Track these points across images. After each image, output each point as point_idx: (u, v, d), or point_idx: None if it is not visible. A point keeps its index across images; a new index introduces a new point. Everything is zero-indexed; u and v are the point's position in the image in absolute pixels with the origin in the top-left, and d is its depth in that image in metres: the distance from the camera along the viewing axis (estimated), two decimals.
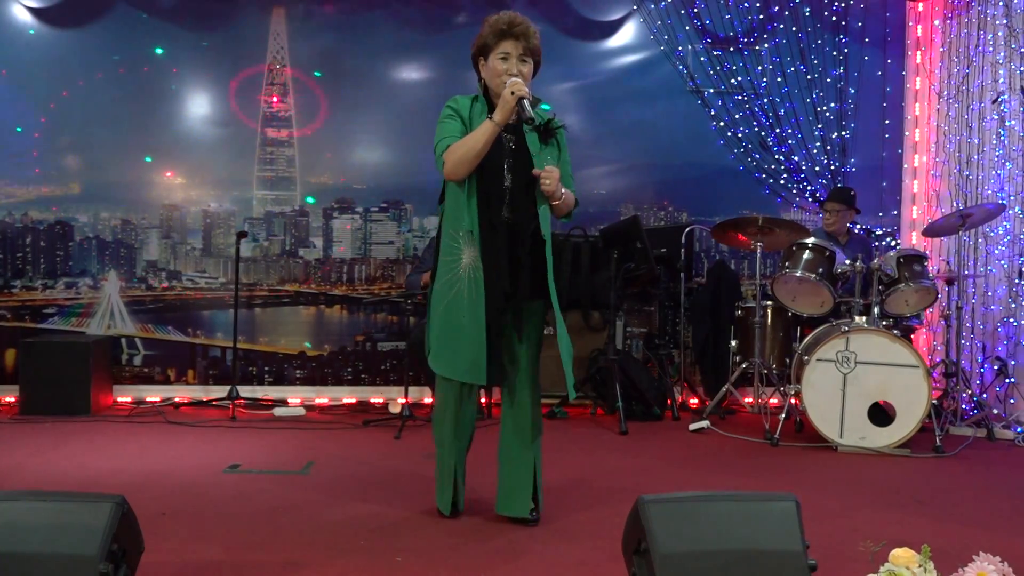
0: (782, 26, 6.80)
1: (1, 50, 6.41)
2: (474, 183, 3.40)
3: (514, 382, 3.59)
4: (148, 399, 6.39)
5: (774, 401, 6.02)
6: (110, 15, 6.47)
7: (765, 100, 6.79)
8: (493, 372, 3.49)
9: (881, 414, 5.09)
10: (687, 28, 6.75)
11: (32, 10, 6.43)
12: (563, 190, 3.45)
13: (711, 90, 6.80)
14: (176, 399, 6.35)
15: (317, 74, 6.67)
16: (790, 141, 6.81)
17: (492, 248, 3.40)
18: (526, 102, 3.27)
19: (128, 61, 6.50)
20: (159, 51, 6.52)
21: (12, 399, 6.08)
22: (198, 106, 6.62)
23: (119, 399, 6.34)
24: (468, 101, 3.49)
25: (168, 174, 6.62)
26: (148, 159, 6.56)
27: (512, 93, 3.26)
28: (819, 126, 6.82)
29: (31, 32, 6.44)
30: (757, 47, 6.78)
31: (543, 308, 3.60)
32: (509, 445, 3.65)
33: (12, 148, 6.45)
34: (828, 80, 6.84)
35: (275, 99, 6.64)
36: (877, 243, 6.63)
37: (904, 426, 5.00)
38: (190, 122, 6.62)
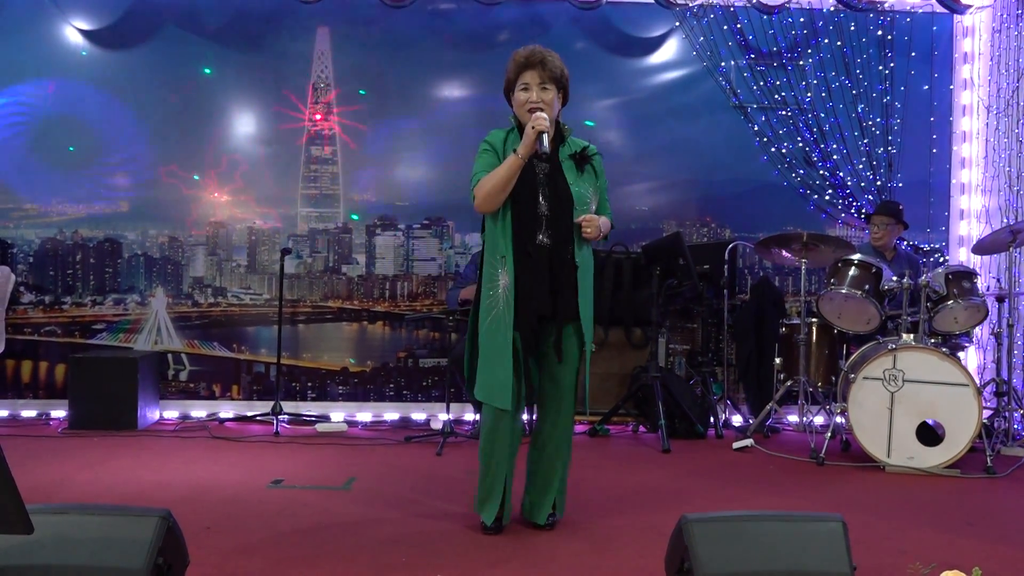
0: (826, 40, 6.72)
1: (54, 71, 6.51)
2: (508, 211, 3.58)
3: (551, 401, 3.74)
4: (193, 414, 6.43)
5: (819, 420, 5.98)
6: (159, 36, 6.55)
7: (809, 115, 6.71)
8: (527, 394, 3.71)
9: (930, 433, 4.99)
10: (730, 44, 6.69)
11: (84, 32, 6.53)
12: (601, 226, 3.65)
13: (754, 106, 6.74)
14: (221, 414, 6.39)
15: (361, 92, 6.70)
16: (835, 156, 6.73)
17: (526, 273, 3.57)
18: (545, 136, 3.43)
19: (176, 81, 6.58)
20: (207, 71, 6.60)
21: (61, 414, 6.15)
22: (244, 125, 6.69)
23: (165, 414, 6.38)
24: (503, 134, 3.68)
25: (215, 192, 6.68)
26: (196, 177, 6.63)
27: (533, 128, 3.43)
28: (865, 141, 6.73)
29: (83, 53, 6.54)
30: (801, 62, 6.71)
31: (581, 330, 3.71)
32: (537, 460, 3.80)
33: (65, 167, 6.55)
34: (874, 95, 6.75)
35: (319, 117, 6.67)
36: (925, 260, 6.52)
37: (954, 446, 4.92)
38: (236, 141, 6.68)
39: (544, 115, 3.48)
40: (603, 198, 3.77)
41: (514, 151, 3.50)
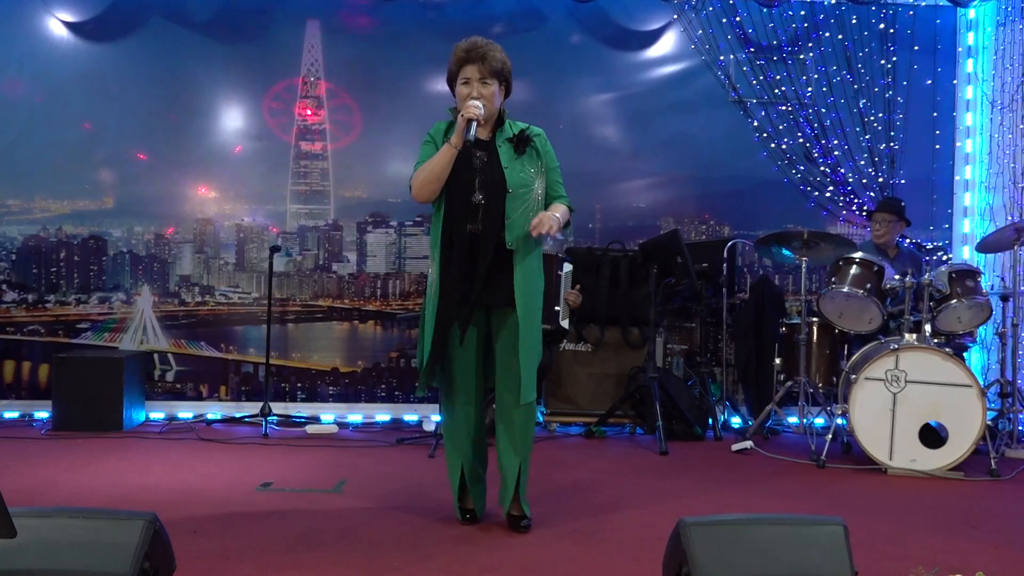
0: (827, 34, 6.65)
1: (37, 64, 6.43)
2: (443, 202, 3.65)
3: (503, 391, 3.74)
4: (180, 415, 6.36)
5: (820, 421, 5.94)
6: (145, 29, 6.47)
7: (810, 110, 6.65)
8: (477, 380, 3.78)
9: (933, 435, 4.95)
10: (729, 37, 6.63)
11: (68, 24, 6.44)
12: (556, 214, 3.63)
13: (754, 100, 6.68)
14: (208, 415, 6.32)
15: (352, 85, 6.62)
16: (836, 152, 6.67)
17: (447, 262, 3.64)
18: (473, 124, 3.48)
19: (163, 74, 6.50)
20: (193, 64, 6.51)
21: (45, 415, 6.08)
22: (232, 119, 6.61)
23: (151, 415, 6.31)
24: (444, 126, 3.75)
25: (202, 188, 6.60)
26: (181, 172, 6.55)
27: (462, 116, 3.50)
28: (866, 137, 6.67)
29: (67, 46, 6.44)
30: (802, 56, 6.65)
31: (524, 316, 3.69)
32: (500, 450, 3.79)
33: (48, 162, 6.48)
34: (876, 89, 6.68)
35: (309, 112, 6.61)
36: (928, 258, 6.48)
37: (957, 448, 4.88)
38: (224, 135, 6.61)
39: (476, 103, 3.53)
40: (552, 179, 3.76)
41: (447, 141, 3.56)
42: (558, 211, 3.67)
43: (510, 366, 3.67)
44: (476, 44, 3.62)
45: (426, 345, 3.68)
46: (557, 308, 3.94)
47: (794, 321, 5.83)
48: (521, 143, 3.67)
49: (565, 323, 4.26)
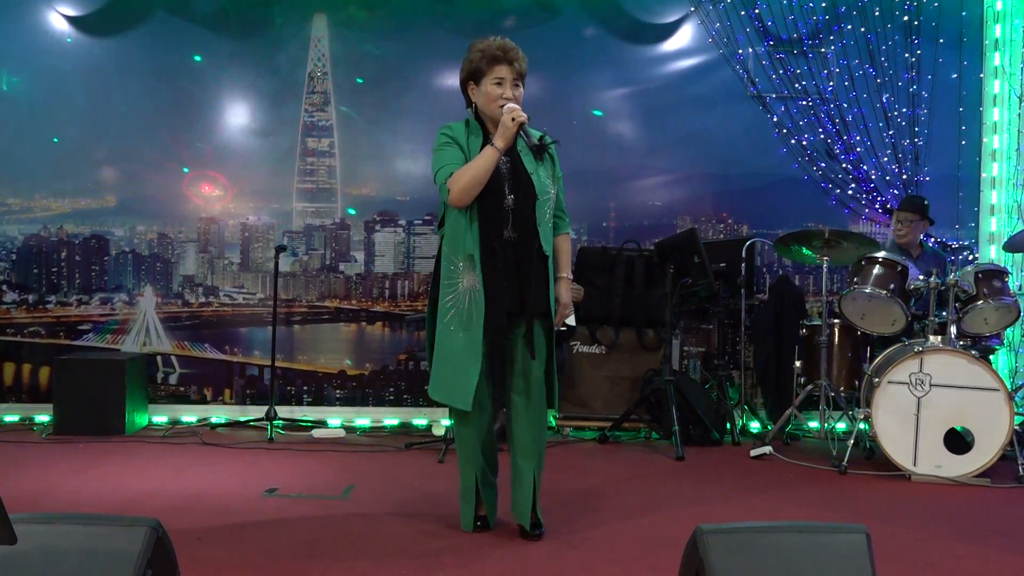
0: (849, 27, 6.57)
1: (38, 59, 6.38)
2: (475, 207, 3.58)
3: (521, 398, 3.70)
4: (184, 419, 6.32)
5: (842, 426, 5.84)
6: (148, 23, 6.42)
7: (832, 105, 6.58)
8: (498, 394, 3.74)
9: (958, 441, 4.88)
10: (748, 30, 6.57)
11: (69, 18, 6.40)
12: (568, 297, 3.77)
13: (773, 95, 6.60)
14: (212, 419, 6.28)
15: (359, 81, 6.57)
16: (858, 149, 6.58)
17: (493, 270, 3.58)
18: (527, 127, 3.50)
19: (166, 70, 6.45)
20: (198, 59, 6.47)
21: (46, 418, 6.04)
22: (237, 115, 6.56)
23: (154, 419, 6.28)
24: (461, 126, 3.70)
25: (206, 186, 6.55)
26: (185, 170, 6.51)
27: (513, 120, 3.47)
28: (890, 132, 6.59)
29: (68, 40, 6.40)
30: (823, 49, 6.58)
31: (551, 324, 3.75)
32: (513, 457, 3.76)
33: (48, 160, 6.43)
34: (899, 84, 6.60)
35: (315, 107, 6.56)
36: (953, 257, 6.38)
37: (983, 454, 4.81)
38: (229, 132, 6.55)
39: (517, 106, 3.53)
40: (560, 187, 3.79)
41: (490, 144, 3.51)
42: (564, 287, 3.77)
43: (530, 374, 3.65)
44: (510, 44, 3.61)
45: (477, 360, 3.56)
46: None
47: (815, 323, 5.76)
48: (541, 150, 3.64)
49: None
